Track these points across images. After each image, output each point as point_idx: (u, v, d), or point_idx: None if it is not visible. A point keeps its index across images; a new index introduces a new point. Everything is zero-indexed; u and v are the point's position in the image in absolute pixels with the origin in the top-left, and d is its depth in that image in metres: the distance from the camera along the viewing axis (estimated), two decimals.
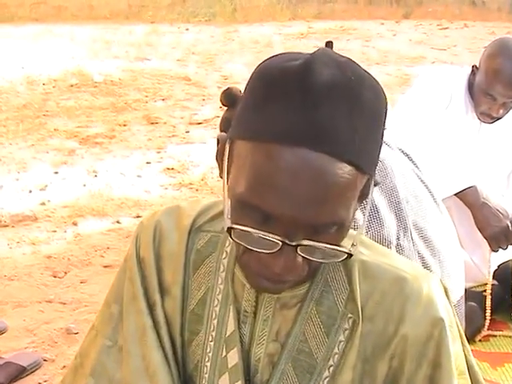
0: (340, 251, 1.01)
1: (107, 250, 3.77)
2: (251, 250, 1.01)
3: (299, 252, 0.99)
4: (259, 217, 0.98)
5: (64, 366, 2.74)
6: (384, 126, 1.04)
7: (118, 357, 1.26)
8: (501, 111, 2.90)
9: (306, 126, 0.95)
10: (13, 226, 4.08)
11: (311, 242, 0.98)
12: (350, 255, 1.01)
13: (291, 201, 0.95)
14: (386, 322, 1.11)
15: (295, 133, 0.95)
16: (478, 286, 2.97)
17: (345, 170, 0.96)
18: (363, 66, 1.02)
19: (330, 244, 1.00)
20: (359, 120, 0.97)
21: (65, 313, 3.15)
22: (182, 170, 5.07)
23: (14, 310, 3.17)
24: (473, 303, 2.77)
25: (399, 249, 1.98)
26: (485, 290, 2.80)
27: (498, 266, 2.95)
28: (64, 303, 3.23)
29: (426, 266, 2.05)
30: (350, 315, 1.13)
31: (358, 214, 1.08)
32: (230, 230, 1.00)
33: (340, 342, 1.13)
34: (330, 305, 1.14)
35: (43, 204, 4.41)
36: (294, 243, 0.98)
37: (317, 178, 0.95)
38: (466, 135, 3.03)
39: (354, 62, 1.02)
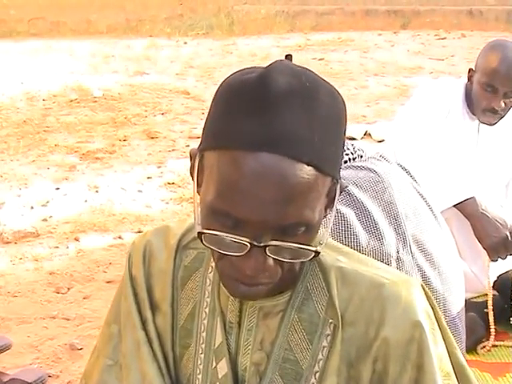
0: (307, 250, 1.05)
1: (109, 266, 3.79)
2: (223, 254, 1.06)
3: (268, 253, 1.03)
4: (229, 222, 1.03)
5: (68, 382, 2.76)
6: (344, 129, 1.08)
7: (120, 374, 1.30)
8: (502, 104, 2.92)
9: (264, 131, 1.00)
10: (15, 243, 4.09)
11: (279, 243, 1.03)
12: (317, 253, 1.05)
13: (257, 204, 1.00)
14: (367, 326, 1.14)
15: (255, 139, 1.00)
16: (478, 297, 2.98)
17: (305, 170, 1.00)
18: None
19: (299, 244, 1.04)
20: (317, 123, 1.02)
21: (68, 328, 3.17)
22: (183, 185, 5.07)
23: (18, 327, 3.19)
24: (473, 314, 2.78)
25: (399, 262, 2.00)
26: (486, 301, 2.82)
27: (498, 277, 2.97)
28: (67, 319, 3.25)
29: (425, 278, 2.07)
30: (330, 321, 1.17)
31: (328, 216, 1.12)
32: (200, 234, 1.05)
33: (323, 347, 1.17)
34: (310, 312, 1.18)
35: (45, 220, 4.43)
36: (261, 244, 1.02)
37: (279, 180, 0.99)
38: (464, 146, 3.05)
39: (310, 71, 1.07)
